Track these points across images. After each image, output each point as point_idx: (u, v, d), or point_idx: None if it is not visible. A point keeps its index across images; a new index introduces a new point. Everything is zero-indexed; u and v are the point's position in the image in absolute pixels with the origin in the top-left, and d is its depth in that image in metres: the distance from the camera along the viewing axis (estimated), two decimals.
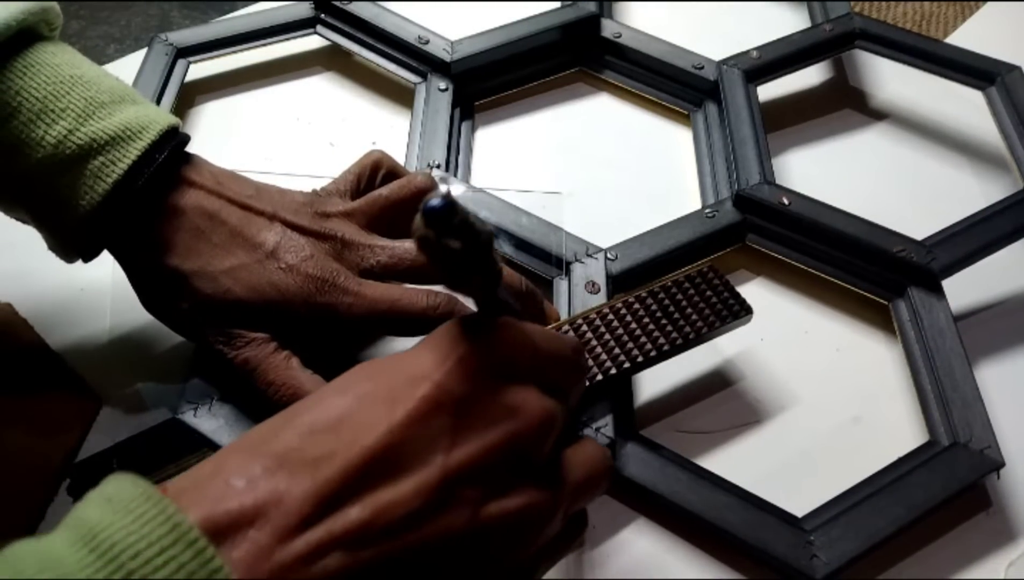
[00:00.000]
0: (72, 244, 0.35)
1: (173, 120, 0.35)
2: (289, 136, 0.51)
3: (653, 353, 0.37)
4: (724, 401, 0.41)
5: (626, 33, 0.54)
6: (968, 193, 0.51)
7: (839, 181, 0.50)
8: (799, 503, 0.36)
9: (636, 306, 0.38)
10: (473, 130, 0.52)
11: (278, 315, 0.34)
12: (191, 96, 0.53)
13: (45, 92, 0.33)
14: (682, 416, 0.40)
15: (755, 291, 0.45)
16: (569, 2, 0.56)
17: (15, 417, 0.37)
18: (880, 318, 0.44)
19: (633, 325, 0.37)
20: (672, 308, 0.38)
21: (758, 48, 0.53)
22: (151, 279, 0.35)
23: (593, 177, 0.50)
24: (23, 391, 0.38)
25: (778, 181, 0.46)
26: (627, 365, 0.36)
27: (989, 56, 0.53)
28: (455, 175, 0.47)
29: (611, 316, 0.37)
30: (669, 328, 0.37)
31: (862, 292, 0.44)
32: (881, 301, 0.43)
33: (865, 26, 0.55)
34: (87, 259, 0.36)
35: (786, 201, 0.44)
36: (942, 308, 0.41)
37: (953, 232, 0.44)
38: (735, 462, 0.38)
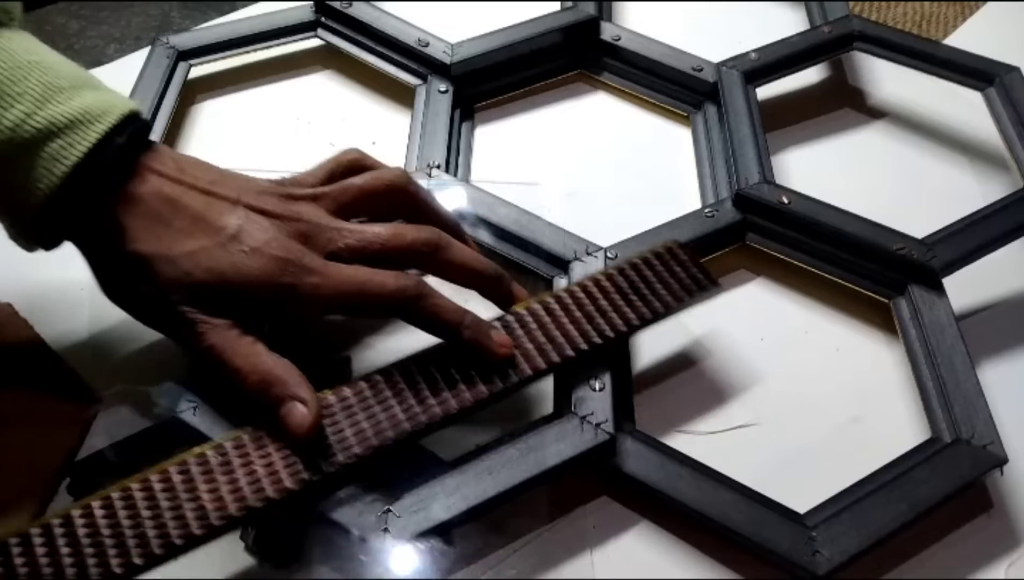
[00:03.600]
0: (32, 231, 0.34)
1: (133, 105, 0.35)
2: (289, 136, 0.51)
3: (624, 328, 0.37)
4: (724, 401, 0.40)
5: (625, 36, 0.55)
6: (967, 193, 0.50)
7: (838, 181, 0.50)
8: (800, 501, 0.35)
9: (605, 283, 0.38)
10: (473, 129, 0.52)
11: (241, 298, 0.34)
12: (191, 94, 0.53)
13: (1, 77, 0.33)
14: (682, 416, 0.40)
15: (755, 291, 0.45)
16: (570, 3, 0.56)
17: (15, 417, 0.37)
18: (880, 317, 0.44)
19: (603, 301, 0.38)
20: (640, 284, 0.38)
21: (757, 50, 0.53)
22: (111, 265, 0.35)
23: (593, 177, 0.50)
24: (23, 391, 0.38)
25: (778, 181, 0.46)
26: (598, 340, 0.36)
27: (988, 57, 0.53)
28: (455, 175, 0.47)
29: (581, 294, 0.38)
30: (638, 303, 0.38)
31: (862, 290, 0.44)
32: (881, 299, 0.43)
33: (863, 28, 0.55)
34: (48, 247, 0.35)
35: (786, 200, 0.44)
36: (943, 306, 0.41)
37: (953, 230, 0.44)
38: (735, 461, 0.37)
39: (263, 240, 0.34)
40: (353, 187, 0.37)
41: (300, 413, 0.32)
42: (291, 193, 0.36)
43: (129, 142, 0.34)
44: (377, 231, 0.36)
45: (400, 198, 0.38)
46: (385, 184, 0.38)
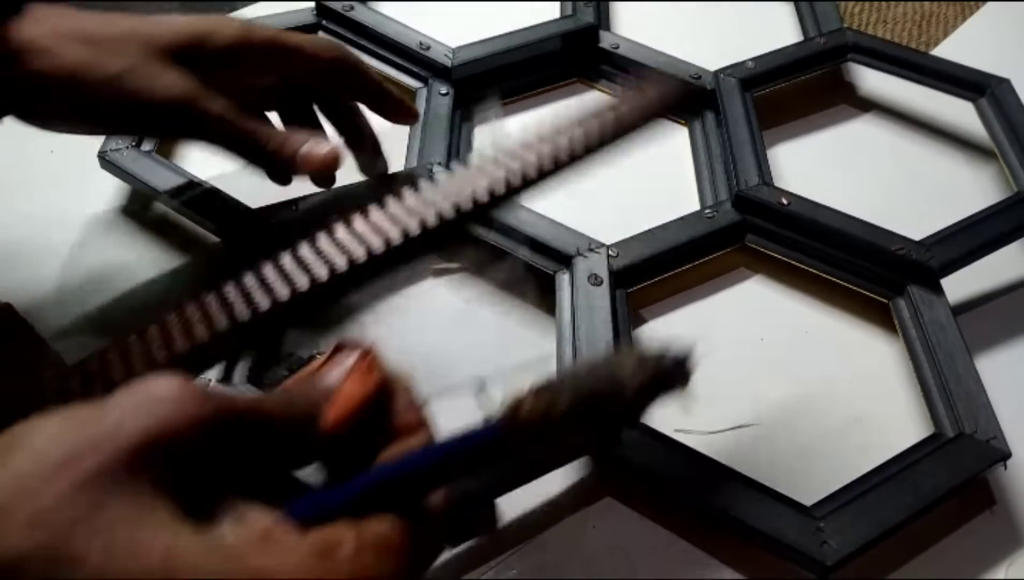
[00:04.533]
0: None
1: None
2: None
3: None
4: (724, 401, 0.40)
5: (624, 44, 0.55)
6: (962, 196, 0.51)
7: (835, 183, 0.50)
8: (804, 497, 0.35)
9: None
10: (473, 130, 0.52)
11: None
12: None
13: None
14: (682, 416, 0.39)
15: (755, 291, 0.45)
16: (569, 9, 0.56)
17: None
18: (880, 317, 0.44)
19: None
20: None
21: (754, 59, 0.54)
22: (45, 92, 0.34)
23: (593, 178, 0.50)
24: (23, 391, 0.37)
25: (776, 184, 0.47)
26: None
27: (979, 69, 0.54)
28: None
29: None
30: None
31: (862, 290, 0.44)
32: (881, 299, 0.44)
33: (857, 40, 0.56)
34: None
35: (785, 201, 0.45)
36: (942, 305, 0.41)
37: (950, 232, 0.44)
38: (736, 461, 0.37)
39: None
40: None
41: (320, 145, 0.37)
42: None
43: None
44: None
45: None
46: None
